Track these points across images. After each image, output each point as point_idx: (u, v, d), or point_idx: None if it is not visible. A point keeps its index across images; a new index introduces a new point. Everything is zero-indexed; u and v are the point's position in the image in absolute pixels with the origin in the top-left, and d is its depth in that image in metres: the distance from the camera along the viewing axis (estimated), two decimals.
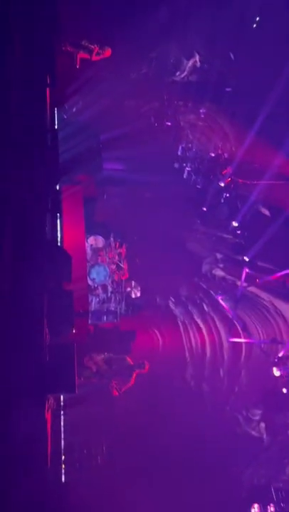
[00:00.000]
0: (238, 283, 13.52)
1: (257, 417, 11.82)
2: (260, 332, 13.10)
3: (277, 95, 13.28)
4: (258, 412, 11.89)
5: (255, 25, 14.16)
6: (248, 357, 12.86)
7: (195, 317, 13.40)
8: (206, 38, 13.94)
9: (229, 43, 13.63)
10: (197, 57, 14.25)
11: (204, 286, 13.81)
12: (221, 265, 14.01)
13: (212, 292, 13.67)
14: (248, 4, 13.54)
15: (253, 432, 11.70)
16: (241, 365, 12.67)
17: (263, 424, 11.79)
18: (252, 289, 13.66)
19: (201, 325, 13.32)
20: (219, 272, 13.93)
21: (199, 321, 13.34)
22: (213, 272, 14.04)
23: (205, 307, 13.50)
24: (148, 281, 12.85)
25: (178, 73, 14.29)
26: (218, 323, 13.32)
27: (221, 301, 13.62)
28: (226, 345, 13.00)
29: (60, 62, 11.03)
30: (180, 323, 13.23)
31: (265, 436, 11.68)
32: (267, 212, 14.10)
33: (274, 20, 13.53)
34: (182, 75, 14.34)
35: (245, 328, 13.14)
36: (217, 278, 13.90)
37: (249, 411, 11.88)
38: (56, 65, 10.04)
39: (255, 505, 10.42)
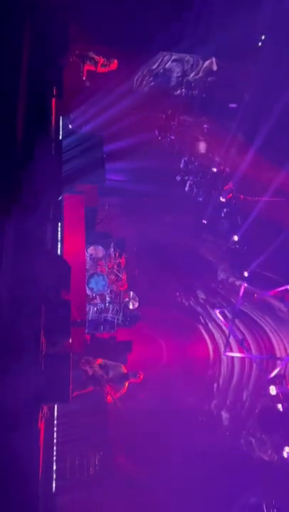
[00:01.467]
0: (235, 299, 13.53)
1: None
2: (256, 348, 13.06)
3: (280, 111, 13.46)
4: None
5: (260, 44, 14.39)
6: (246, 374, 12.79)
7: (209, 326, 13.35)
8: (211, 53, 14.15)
9: (234, 60, 13.83)
10: (214, 60, 14.33)
11: (222, 293, 13.79)
12: (237, 274, 14.01)
13: (232, 300, 13.62)
14: (253, 22, 13.76)
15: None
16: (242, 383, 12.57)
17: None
18: (250, 304, 13.67)
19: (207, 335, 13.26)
20: (236, 281, 13.91)
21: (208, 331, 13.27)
22: (230, 280, 14.02)
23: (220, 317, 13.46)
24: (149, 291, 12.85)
25: (192, 74, 14.32)
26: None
27: (218, 315, 13.62)
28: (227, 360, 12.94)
29: (67, 73, 11.21)
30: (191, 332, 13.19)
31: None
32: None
33: (279, 37, 13.75)
34: (197, 76, 14.39)
35: (242, 343, 13.11)
36: (235, 286, 13.84)
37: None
38: (63, 75, 10.20)
39: None
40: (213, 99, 14.20)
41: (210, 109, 14.30)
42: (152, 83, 14.25)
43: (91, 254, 11.92)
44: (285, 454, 11.78)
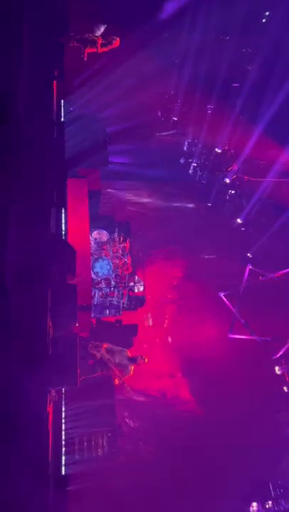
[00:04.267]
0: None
1: None
2: (261, 329, 13.09)
3: (285, 93, 13.22)
4: None
5: (264, 20, 14.05)
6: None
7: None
8: (215, 31, 13.80)
9: (238, 38, 13.51)
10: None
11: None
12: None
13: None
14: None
15: None
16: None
17: None
18: (255, 285, 13.66)
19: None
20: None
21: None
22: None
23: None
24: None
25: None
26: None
27: (223, 298, 13.62)
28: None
29: (68, 55, 10.99)
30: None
31: None
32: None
33: (283, 15, 13.41)
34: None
35: (247, 325, 13.14)
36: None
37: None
38: (63, 58, 10.00)
39: (254, 504, 10.48)
40: (217, 79, 13.91)
41: (213, 89, 14.03)
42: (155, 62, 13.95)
43: (95, 239, 11.89)
44: None
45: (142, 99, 13.62)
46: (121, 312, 11.64)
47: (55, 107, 9.34)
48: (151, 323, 13.16)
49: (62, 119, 10.30)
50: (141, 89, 13.37)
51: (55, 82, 9.26)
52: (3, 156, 6.24)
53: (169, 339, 13.19)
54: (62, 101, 10.63)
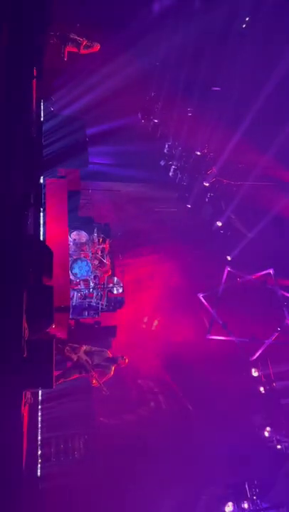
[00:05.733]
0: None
1: None
2: (239, 331, 13.23)
3: (265, 96, 13.40)
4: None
5: (244, 26, 14.22)
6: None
7: None
8: (195, 35, 13.90)
9: (218, 43, 13.65)
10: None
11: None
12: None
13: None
14: (237, 5, 13.59)
15: None
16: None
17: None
18: (233, 287, 13.80)
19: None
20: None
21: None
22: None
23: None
24: None
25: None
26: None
27: (202, 299, 13.73)
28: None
29: (48, 55, 10.92)
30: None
31: None
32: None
33: (263, 20, 13.60)
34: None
35: (225, 327, 13.27)
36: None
37: None
38: (43, 57, 9.93)
39: (229, 503, 10.58)
40: (197, 82, 14.02)
41: (194, 92, 14.14)
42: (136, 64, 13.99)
43: (74, 240, 11.81)
44: (266, 434, 12.08)
45: (123, 101, 13.64)
46: (100, 314, 11.60)
47: (34, 106, 9.26)
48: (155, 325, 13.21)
49: (41, 119, 10.23)
50: (122, 90, 13.39)
51: (34, 81, 9.19)
52: None
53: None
54: (42, 101, 10.57)
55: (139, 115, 14.95)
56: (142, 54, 13.55)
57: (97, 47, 12.06)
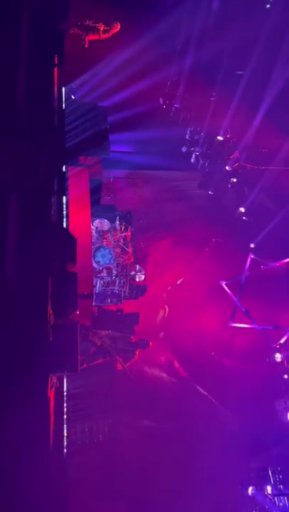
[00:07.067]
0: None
1: None
2: (262, 318, 13.13)
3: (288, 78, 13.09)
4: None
5: (268, 6, 13.88)
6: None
7: None
8: (218, 18, 13.63)
9: (241, 25, 13.33)
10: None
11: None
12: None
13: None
14: None
15: None
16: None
17: None
18: (256, 275, 13.68)
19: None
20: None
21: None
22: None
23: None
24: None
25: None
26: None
27: (225, 287, 13.66)
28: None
29: (69, 42, 10.88)
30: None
31: None
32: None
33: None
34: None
35: (248, 314, 13.19)
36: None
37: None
38: (64, 45, 9.90)
39: (251, 488, 10.63)
40: (220, 66, 13.76)
41: (216, 76, 13.89)
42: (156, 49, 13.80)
43: (97, 228, 11.89)
44: None
45: (144, 87, 13.52)
46: (122, 301, 11.70)
47: (55, 94, 9.29)
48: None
49: (63, 107, 10.24)
50: (142, 76, 13.27)
51: (55, 69, 9.19)
52: (3, 144, 6.24)
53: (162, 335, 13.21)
54: (63, 88, 10.57)
55: (161, 100, 14.80)
56: (162, 38, 13.35)
57: (117, 27, 11.96)
